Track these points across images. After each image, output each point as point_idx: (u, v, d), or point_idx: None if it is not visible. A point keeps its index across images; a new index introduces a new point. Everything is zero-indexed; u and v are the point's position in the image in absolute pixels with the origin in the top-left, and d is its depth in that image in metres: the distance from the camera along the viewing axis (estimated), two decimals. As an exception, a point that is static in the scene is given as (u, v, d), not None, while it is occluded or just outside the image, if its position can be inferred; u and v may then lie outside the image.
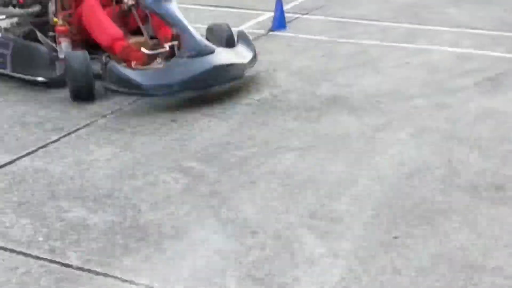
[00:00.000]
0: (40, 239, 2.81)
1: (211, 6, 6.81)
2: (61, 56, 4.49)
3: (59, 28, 4.61)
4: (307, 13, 6.54)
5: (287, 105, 4.27)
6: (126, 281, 2.54)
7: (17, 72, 4.59)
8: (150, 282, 2.53)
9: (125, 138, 3.80)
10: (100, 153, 3.62)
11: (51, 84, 4.47)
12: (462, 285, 2.46)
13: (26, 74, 4.53)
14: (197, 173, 3.39)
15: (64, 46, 4.56)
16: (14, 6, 4.77)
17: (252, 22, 6.27)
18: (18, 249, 2.72)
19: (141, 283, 2.52)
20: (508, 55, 5.19)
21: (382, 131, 3.85)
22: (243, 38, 4.68)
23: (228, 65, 4.31)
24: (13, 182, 3.31)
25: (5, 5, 4.80)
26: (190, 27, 4.36)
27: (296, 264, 2.62)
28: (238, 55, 4.48)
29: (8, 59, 4.66)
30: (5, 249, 2.73)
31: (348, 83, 4.64)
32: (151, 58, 4.36)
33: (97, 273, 2.59)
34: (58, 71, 4.47)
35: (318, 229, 2.86)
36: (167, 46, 4.34)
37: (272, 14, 6.03)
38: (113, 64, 4.14)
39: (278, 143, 3.72)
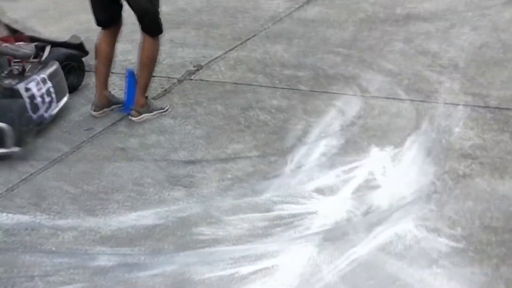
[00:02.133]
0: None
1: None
2: None
3: None
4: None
5: (380, 19, 6.25)
6: (339, 94, 4.48)
7: None
8: (354, 92, 4.48)
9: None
10: (276, 49, 5.54)
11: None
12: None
13: None
14: (345, 54, 5.33)
15: None
16: None
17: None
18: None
19: (348, 94, 4.47)
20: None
21: (451, 29, 5.85)
22: None
23: None
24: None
25: None
26: None
27: (430, 84, 4.59)
28: None
29: None
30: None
31: (415, 7, 6.61)
32: None
33: (320, 93, 4.53)
34: None
35: (435, 71, 4.85)
36: None
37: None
38: None
39: (387, 37, 5.69)
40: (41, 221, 3.04)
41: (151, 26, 4.01)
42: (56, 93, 4.06)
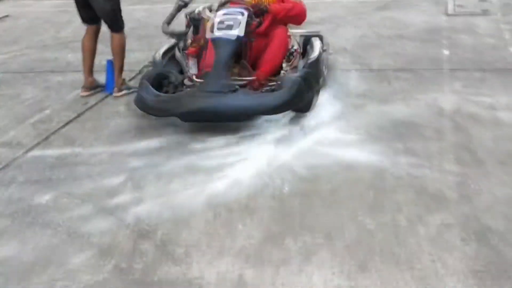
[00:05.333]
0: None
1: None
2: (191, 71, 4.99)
3: (190, 49, 5.13)
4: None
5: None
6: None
7: None
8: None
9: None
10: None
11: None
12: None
13: None
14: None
15: (191, 64, 5.05)
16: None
17: None
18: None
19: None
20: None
21: (338, 27, 7.66)
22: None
23: (233, 107, 4.33)
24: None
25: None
26: (222, 66, 4.53)
27: (329, 61, 6.27)
28: (260, 99, 4.42)
29: None
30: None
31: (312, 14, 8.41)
32: None
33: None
34: None
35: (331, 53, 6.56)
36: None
37: None
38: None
39: (291, 36, 7.39)
40: (79, 151, 4.33)
41: (113, 23, 5.38)
42: None
